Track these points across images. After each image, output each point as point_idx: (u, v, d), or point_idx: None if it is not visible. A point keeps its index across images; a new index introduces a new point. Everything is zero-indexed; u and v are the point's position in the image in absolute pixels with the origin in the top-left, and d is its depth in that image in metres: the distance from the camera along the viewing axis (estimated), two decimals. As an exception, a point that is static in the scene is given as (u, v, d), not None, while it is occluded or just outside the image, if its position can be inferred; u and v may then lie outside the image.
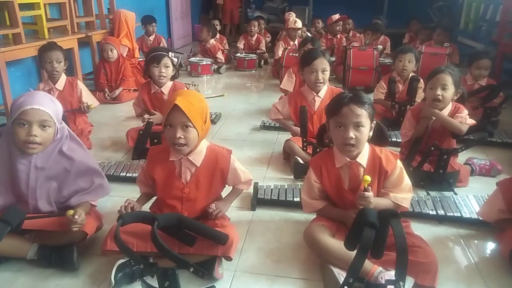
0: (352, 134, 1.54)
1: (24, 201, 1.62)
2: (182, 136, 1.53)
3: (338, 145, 1.63)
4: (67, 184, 1.64)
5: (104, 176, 1.75)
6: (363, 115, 1.55)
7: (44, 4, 3.65)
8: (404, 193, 1.64)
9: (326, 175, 1.68)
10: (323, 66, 2.51)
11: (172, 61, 2.71)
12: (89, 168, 1.68)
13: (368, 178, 1.51)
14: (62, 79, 2.86)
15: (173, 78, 2.78)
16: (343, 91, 1.69)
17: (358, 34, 5.55)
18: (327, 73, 2.54)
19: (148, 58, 2.73)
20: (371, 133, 1.63)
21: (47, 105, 1.53)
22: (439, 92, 2.24)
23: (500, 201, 1.75)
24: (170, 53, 2.72)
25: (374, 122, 1.64)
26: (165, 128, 1.57)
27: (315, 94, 2.57)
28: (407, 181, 1.65)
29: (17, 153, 1.55)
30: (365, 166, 1.63)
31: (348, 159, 1.63)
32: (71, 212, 1.54)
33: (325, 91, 2.57)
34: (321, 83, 2.52)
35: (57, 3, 3.90)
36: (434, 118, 2.30)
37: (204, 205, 1.70)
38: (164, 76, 2.69)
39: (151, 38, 5.14)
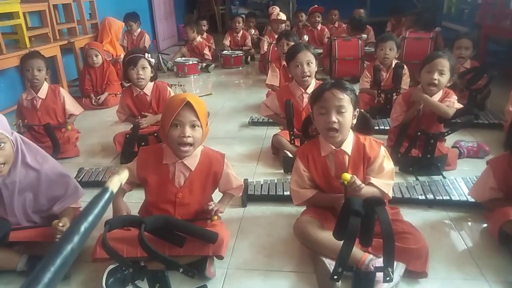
0: (334, 118, 1.55)
1: (4, 219, 1.60)
2: (191, 135, 1.52)
3: (322, 132, 1.64)
4: (41, 192, 1.61)
5: (72, 177, 1.72)
6: (345, 99, 1.56)
7: (24, 13, 3.61)
8: (385, 179, 1.64)
9: (313, 164, 1.68)
10: (308, 59, 2.50)
11: (149, 62, 2.68)
12: (59, 173, 1.64)
13: (347, 176, 1.50)
14: (45, 87, 2.83)
15: (152, 78, 2.75)
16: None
17: (343, 25, 5.55)
18: (313, 65, 2.53)
19: (125, 62, 2.70)
20: (354, 121, 1.63)
21: None
22: (436, 76, 2.25)
23: (492, 179, 1.76)
24: (146, 54, 2.69)
25: (358, 110, 1.64)
26: (171, 128, 1.52)
27: (303, 90, 2.56)
28: (389, 168, 1.65)
29: None
30: (349, 154, 1.64)
31: (333, 147, 1.64)
32: (56, 222, 1.53)
33: (313, 87, 2.56)
34: (308, 76, 2.51)
35: (37, 11, 3.87)
36: (422, 102, 2.31)
37: (196, 209, 1.69)
38: (143, 78, 2.66)
39: (136, 34, 5.18)
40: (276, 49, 4.29)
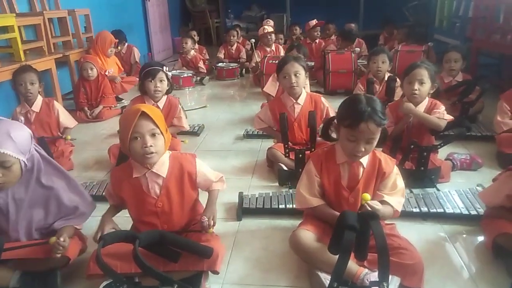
0: (363, 148, 1.54)
1: (5, 233, 1.59)
2: (153, 144, 1.51)
3: (345, 152, 1.62)
4: (51, 212, 1.62)
5: (86, 197, 1.72)
6: (378, 131, 1.55)
7: (19, 27, 3.63)
8: (397, 196, 1.64)
9: (326, 171, 1.67)
10: (295, 70, 2.52)
11: (166, 75, 2.71)
12: (70, 196, 1.65)
13: (367, 196, 1.48)
14: (38, 100, 2.84)
15: (167, 92, 2.77)
16: (357, 95, 1.65)
17: (332, 37, 5.65)
18: (301, 77, 2.55)
19: (142, 74, 2.72)
20: None
21: (4, 145, 1.44)
22: (416, 86, 2.31)
23: (510, 186, 1.70)
24: (164, 67, 2.72)
25: None
26: (131, 141, 1.51)
27: (294, 101, 2.58)
28: (401, 186, 1.66)
29: None
30: (365, 166, 1.64)
31: None
32: (53, 239, 1.52)
33: (304, 98, 2.59)
34: (295, 86, 2.53)
35: (33, 25, 3.89)
36: (411, 115, 2.34)
37: (180, 215, 1.68)
38: (160, 91, 2.69)
39: (123, 50, 5.21)
40: (271, 62, 4.37)
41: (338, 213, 1.59)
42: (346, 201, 1.64)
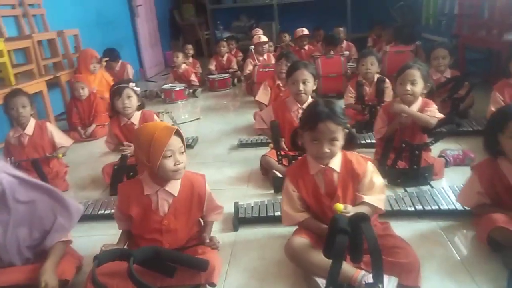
0: (327, 149, 1.58)
1: None
2: (183, 161, 1.58)
3: (311, 156, 1.66)
4: (34, 226, 1.61)
5: (69, 207, 1.69)
6: (338, 130, 1.58)
7: (9, 51, 3.64)
8: (377, 194, 1.66)
9: (302, 183, 1.69)
10: (304, 77, 2.54)
11: (134, 91, 2.71)
12: (48, 206, 1.63)
13: (340, 206, 1.52)
14: (31, 123, 2.84)
15: (139, 107, 2.78)
16: (315, 100, 1.70)
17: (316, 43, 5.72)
18: (310, 84, 2.57)
19: (110, 93, 2.74)
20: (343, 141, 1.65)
21: None
22: (408, 87, 2.34)
23: (478, 184, 1.78)
24: (131, 83, 2.72)
25: (346, 130, 1.66)
26: (164, 159, 1.54)
27: (299, 106, 2.60)
28: (379, 182, 1.67)
29: None
30: (338, 171, 1.65)
31: (322, 166, 1.65)
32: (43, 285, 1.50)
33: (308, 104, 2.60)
34: (303, 93, 2.55)
35: (22, 48, 3.90)
36: (404, 114, 2.36)
37: (184, 233, 1.69)
38: (129, 107, 2.69)
39: (117, 68, 5.22)
40: (261, 70, 4.40)
41: (324, 225, 1.61)
42: (329, 209, 1.64)
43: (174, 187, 1.65)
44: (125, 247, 1.73)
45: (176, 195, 1.64)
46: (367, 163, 1.68)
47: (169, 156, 1.55)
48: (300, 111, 2.58)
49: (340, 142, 1.61)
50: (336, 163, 1.66)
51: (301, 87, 2.54)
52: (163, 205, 1.64)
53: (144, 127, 1.66)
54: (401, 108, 2.36)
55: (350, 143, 1.71)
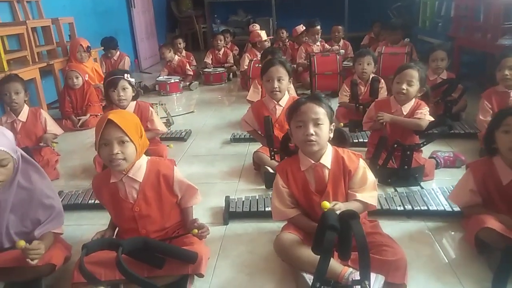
0: (312, 130, 1.58)
1: None
2: (120, 152, 1.51)
3: (300, 144, 1.66)
4: (27, 213, 1.59)
5: (58, 201, 1.70)
6: (321, 112, 1.60)
7: (2, 36, 3.60)
8: (369, 191, 1.66)
9: (292, 179, 1.70)
10: (279, 75, 2.55)
11: (129, 82, 2.69)
12: (46, 196, 1.63)
13: (327, 204, 1.49)
14: (25, 110, 2.82)
15: (134, 98, 2.76)
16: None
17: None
18: (284, 82, 2.57)
19: (105, 84, 2.72)
20: (331, 135, 1.66)
21: (2, 143, 1.48)
22: (404, 86, 2.38)
23: (471, 181, 1.79)
24: (126, 74, 2.70)
25: (334, 124, 1.68)
26: (101, 148, 1.53)
27: (276, 102, 2.61)
28: (371, 179, 1.68)
29: None
30: (329, 167, 1.66)
31: (312, 161, 1.66)
32: (21, 243, 1.47)
33: (286, 100, 2.61)
34: (277, 91, 2.56)
35: (16, 34, 3.86)
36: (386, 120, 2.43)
37: (161, 219, 1.68)
38: (124, 99, 2.67)
39: (115, 57, 5.18)
40: (257, 65, 4.38)
41: (313, 223, 1.61)
42: (318, 206, 1.61)
43: (138, 173, 1.63)
44: (115, 236, 1.73)
45: (141, 180, 1.63)
46: (359, 159, 1.68)
47: (105, 145, 1.52)
48: (277, 108, 2.62)
49: (326, 128, 1.61)
50: (327, 160, 1.66)
51: (276, 84, 2.55)
52: (131, 192, 1.63)
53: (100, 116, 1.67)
54: (390, 118, 2.43)
55: (341, 141, 1.72)
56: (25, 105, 2.85)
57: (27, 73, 3.59)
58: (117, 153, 1.51)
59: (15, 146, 1.56)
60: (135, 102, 2.77)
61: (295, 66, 4.94)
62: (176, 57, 5.47)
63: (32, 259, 1.48)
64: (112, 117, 1.50)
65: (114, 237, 1.72)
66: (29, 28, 3.89)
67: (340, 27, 5.48)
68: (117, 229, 1.77)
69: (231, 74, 5.78)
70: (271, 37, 5.69)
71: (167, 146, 3.04)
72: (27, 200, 1.59)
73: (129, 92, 2.69)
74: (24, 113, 2.82)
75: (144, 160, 1.66)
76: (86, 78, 3.99)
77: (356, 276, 1.44)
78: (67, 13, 4.72)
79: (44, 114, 2.91)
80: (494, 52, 3.71)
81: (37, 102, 3.79)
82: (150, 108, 2.83)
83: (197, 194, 1.77)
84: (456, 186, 1.93)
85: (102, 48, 5.10)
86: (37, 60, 3.97)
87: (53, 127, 2.91)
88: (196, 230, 1.64)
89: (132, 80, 2.74)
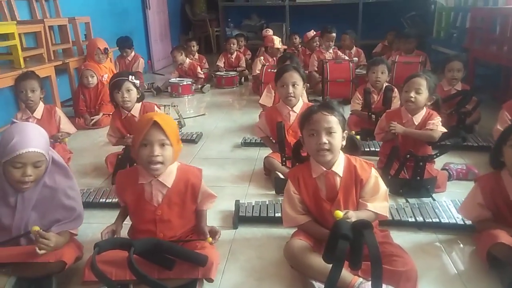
0: (325, 139, 1.58)
1: (7, 231, 1.60)
2: (160, 154, 1.54)
3: (312, 153, 1.66)
4: (48, 213, 1.62)
5: (80, 203, 1.73)
6: (334, 121, 1.60)
7: (20, 34, 3.66)
8: (380, 201, 1.66)
9: (304, 186, 1.69)
10: (293, 80, 2.55)
11: (134, 84, 2.71)
12: (70, 197, 1.65)
13: (340, 214, 1.48)
14: (40, 107, 2.86)
15: (139, 99, 2.78)
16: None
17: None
18: (299, 88, 2.57)
19: (110, 86, 2.74)
20: (344, 142, 1.66)
21: (40, 144, 1.52)
22: (412, 94, 2.38)
23: (479, 195, 1.78)
24: (130, 76, 2.72)
25: (346, 132, 1.68)
26: (141, 148, 1.55)
27: (290, 108, 2.60)
28: (383, 189, 1.67)
29: (7, 188, 1.55)
30: (341, 175, 1.66)
31: (324, 169, 1.65)
32: (36, 227, 1.51)
33: (300, 107, 2.61)
34: (292, 97, 2.56)
35: (33, 32, 3.92)
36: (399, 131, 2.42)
37: (179, 224, 1.69)
38: (128, 100, 2.69)
39: (129, 58, 5.24)
40: (270, 71, 4.39)
41: (325, 230, 1.62)
42: (329, 213, 1.63)
43: (169, 178, 1.64)
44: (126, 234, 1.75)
45: (169, 186, 1.64)
46: (371, 168, 1.68)
47: (146, 146, 1.54)
48: (291, 114, 2.61)
49: (338, 136, 1.61)
50: (339, 167, 1.66)
51: (291, 90, 2.54)
52: (156, 195, 1.64)
53: (142, 116, 1.67)
54: (402, 130, 2.42)
55: (353, 149, 1.72)
56: (41, 103, 2.89)
57: (43, 70, 3.64)
58: (158, 155, 1.53)
59: (49, 146, 1.58)
60: (140, 103, 2.80)
61: (307, 72, 4.94)
62: (188, 60, 5.49)
63: (39, 248, 1.49)
64: (157, 119, 1.52)
65: (127, 235, 1.74)
66: (46, 26, 3.94)
67: (347, 36, 5.43)
68: (124, 221, 1.78)
69: (242, 78, 5.79)
70: (285, 47, 5.68)
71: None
72: (49, 198, 1.61)
73: (134, 93, 2.71)
74: (39, 111, 2.86)
75: (174, 166, 1.67)
76: (104, 79, 4.04)
77: (366, 286, 1.44)
78: (84, 12, 4.78)
79: (59, 112, 2.95)
80: (510, 65, 3.67)
81: (51, 100, 3.84)
82: (156, 108, 2.86)
83: (214, 201, 1.79)
84: (465, 200, 1.92)
85: (117, 48, 5.16)
86: (52, 58, 4.02)
87: (66, 125, 2.95)
88: (211, 239, 1.66)
89: (137, 82, 2.76)
